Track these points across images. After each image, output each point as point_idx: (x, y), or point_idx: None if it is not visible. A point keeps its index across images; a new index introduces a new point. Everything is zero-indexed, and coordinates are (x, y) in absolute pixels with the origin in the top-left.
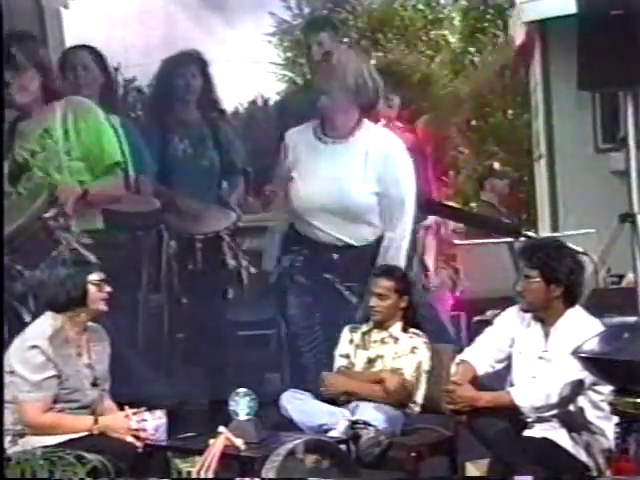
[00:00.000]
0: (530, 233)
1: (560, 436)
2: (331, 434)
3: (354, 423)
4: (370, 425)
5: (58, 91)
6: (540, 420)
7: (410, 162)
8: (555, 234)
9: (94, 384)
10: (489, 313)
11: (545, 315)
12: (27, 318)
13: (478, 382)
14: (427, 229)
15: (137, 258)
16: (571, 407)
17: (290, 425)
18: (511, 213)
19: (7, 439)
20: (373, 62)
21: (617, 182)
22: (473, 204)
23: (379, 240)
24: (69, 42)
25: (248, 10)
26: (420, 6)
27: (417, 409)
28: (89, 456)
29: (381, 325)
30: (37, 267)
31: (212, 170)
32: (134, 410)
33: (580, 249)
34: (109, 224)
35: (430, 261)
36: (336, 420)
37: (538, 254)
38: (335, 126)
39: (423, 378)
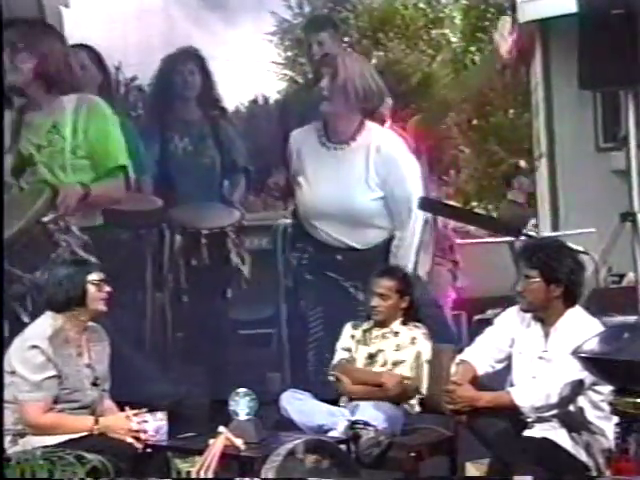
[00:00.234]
0: (531, 232)
1: (560, 436)
2: (331, 434)
3: (354, 423)
4: (370, 425)
5: (64, 82)
6: (540, 420)
7: (414, 161)
8: (556, 233)
9: (94, 384)
10: (490, 312)
11: (545, 315)
12: (25, 319)
13: (478, 382)
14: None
15: (139, 257)
16: (571, 407)
17: (290, 425)
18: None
19: (7, 439)
20: (374, 61)
21: (618, 181)
22: (477, 205)
23: (387, 241)
24: (70, 41)
25: (249, 9)
26: (421, 5)
27: (418, 409)
28: (89, 456)
29: (382, 323)
30: (37, 270)
31: (213, 168)
32: (135, 411)
33: (581, 248)
34: (110, 223)
35: (427, 257)
36: (336, 420)
37: (538, 254)
38: (337, 131)
39: (425, 368)
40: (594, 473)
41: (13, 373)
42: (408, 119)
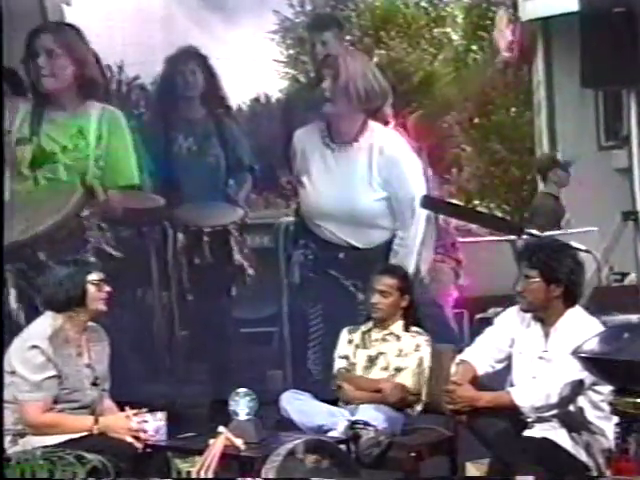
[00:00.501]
0: (533, 231)
1: (560, 436)
2: (331, 434)
3: (354, 423)
4: (370, 425)
5: (94, 87)
6: (540, 420)
7: (417, 161)
8: (557, 232)
9: (94, 384)
10: (491, 311)
11: (545, 315)
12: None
13: (478, 382)
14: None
15: (143, 255)
16: (571, 407)
17: (290, 425)
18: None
19: (7, 439)
20: (375, 60)
21: (620, 179)
22: (479, 203)
23: (389, 241)
24: None
25: (250, 8)
26: (423, 4)
27: (419, 408)
28: (89, 456)
29: (382, 324)
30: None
31: (218, 167)
32: (135, 411)
33: (583, 247)
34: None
35: (428, 255)
36: (336, 420)
37: (538, 254)
38: (340, 131)
39: (426, 375)
40: (594, 473)
41: (13, 373)
42: (410, 117)
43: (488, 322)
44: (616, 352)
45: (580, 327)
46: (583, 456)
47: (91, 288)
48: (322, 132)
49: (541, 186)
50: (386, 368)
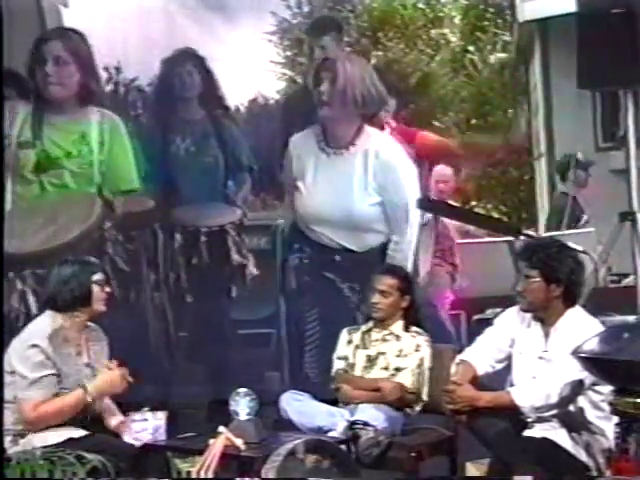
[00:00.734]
0: (530, 232)
1: (560, 436)
2: (331, 435)
3: (353, 423)
4: (369, 425)
5: (96, 93)
6: (540, 420)
7: (412, 166)
8: (555, 233)
9: None
10: (489, 312)
11: (545, 315)
12: None
13: (478, 382)
14: (423, 227)
15: (133, 258)
16: (571, 407)
17: (290, 426)
18: (586, 205)
19: (7, 439)
20: (373, 61)
21: (617, 180)
22: (476, 204)
23: (385, 244)
24: None
25: (248, 9)
26: (420, 5)
27: (418, 408)
28: (89, 456)
29: (382, 324)
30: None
31: (216, 168)
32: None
33: (580, 248)
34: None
35: (426, 258)
36: (335, 421)
37: (538, 254)
38: (336, 136)
39: (426, 375)
40: (594, 473)
41: (13, 373)
42: (409, 121)
43: (485, 323)
44: (616, 352)
45: (580, 327)
46: (583, 456)
47: (95, 288)
48: (318, 137)
49: (560, 186)
50: (386, 368)
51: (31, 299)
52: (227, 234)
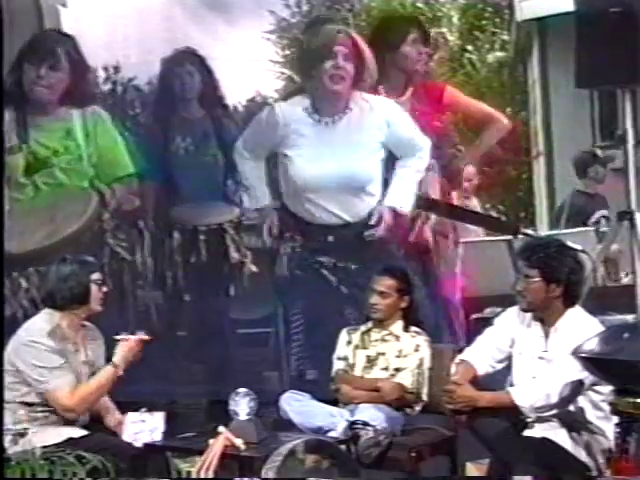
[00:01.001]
0: (529, 231)
1: (560, 436)
2: (331, 435)
3: (353, 423)
4: (369, 425)
5: (81, 96)
6: (540, 420)
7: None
8: (553, 232)
9: None
10: (488, 311)
11: (545, 315)
12: None
13: (478, 382)
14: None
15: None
16: (571, 407)
17: (290, 426)
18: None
19: (7, 439)
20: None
21: (615, 180)
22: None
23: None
24: None
25: (248, 8)
26: (419, 4)
27: (418, 408)
28: (89, 456)
29: (381, 324)
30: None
31: (216, 166)
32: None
33: (578, 247)
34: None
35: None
36: (335, 421)
37: (538, 254)
38: (331, 105)
39: (426, 375)
40: (594, 473)
41: (18, 372)
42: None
43: (484, 322)
44: (616, 352)
45: (580, 327)
46: (583, 456)
47: (93, 287)
48: (306, 108)
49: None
50: (386, 369)
51: (37, 296)
52: (225, 232)
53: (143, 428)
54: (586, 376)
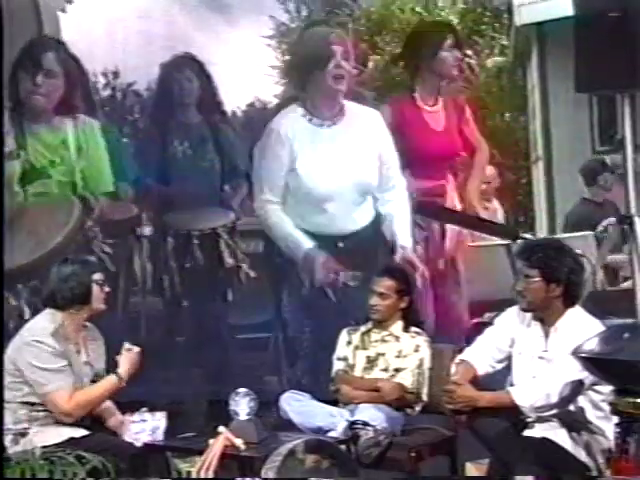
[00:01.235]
0: (528, 235)
1: (560, 436)
2: (331, 435)
3: (353, 423)
4: (369, 425)
5: (74, 104)
6: (540, 420)
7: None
8: (553, 236)
9: (93, 381)
10: (487, 315)
11: (545, 315)
12: None
13: (478, 382)
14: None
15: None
16: (571, 407)
17: (290, 426)
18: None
19: (7, 439)
20: (371, 64)
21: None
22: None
23: (373, 220)
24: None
25: (247, 13)
26: (418, 9)
27: (418, 408)
28: (89, 456)
29: (381, 324)
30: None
31: (213, 172)
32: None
33: (578, 251)
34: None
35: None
36: (335, 421)
37: (538, 254)
38: (328, 109)
39: (426, 375)
40: (594, 473)
41: (19, 372)
42: None
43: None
44: (616, 352)
45: (580, 327)
46: (583, 456)
47: (95, 287)
48: (305, 115)
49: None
50: (385, 369)
51: (27, 313)
52: (219, 237)
53: (144, 428)
54: (586, 376)
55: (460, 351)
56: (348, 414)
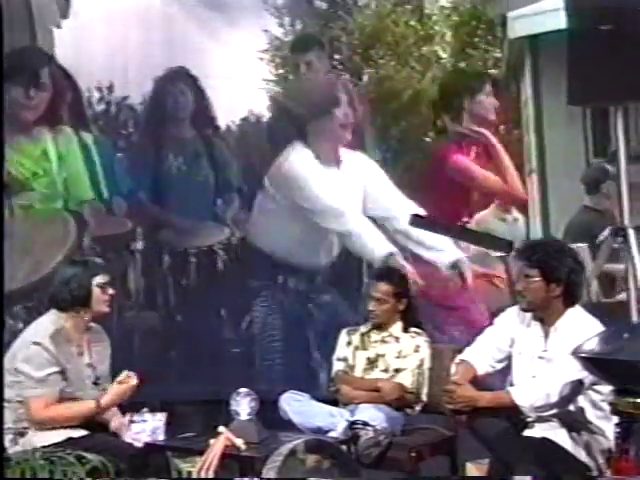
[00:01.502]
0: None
1: (560, 436)
2: (331, 435)
3: (353, 423)
4: (369, 425)
5: (56, 115)
6: (540, 420)
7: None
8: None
9: (95, 383)
10: None
11: (545, 315)
12: None
13: (478, 382)
14: None
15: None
16: (571, 407)
17: (290, 426)
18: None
19: (7, 439)
20: (365, 78)
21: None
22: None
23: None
24: (61, 61)
25: (242, 27)
26: (412, 22)
27: (418, 408)
28: (89, 456)
29: (380, 326)
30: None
31: (206, 187)
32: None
33: None
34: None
35: None
36: (335, 421)
37: (538, 253)
38: (334, 154)
39: (426, 376)
40: (594, 473)
41: (17, 371)
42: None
43: None
44: (616, 352)
45: (580, 327)
46: (583, 456)
47: (96, 290)
48: (313, 157)
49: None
50: (386, 370)
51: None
52: (216, 254)
53: (144, 428)
54: (586, 376)
55: (460, 351)
56: (348, 414)
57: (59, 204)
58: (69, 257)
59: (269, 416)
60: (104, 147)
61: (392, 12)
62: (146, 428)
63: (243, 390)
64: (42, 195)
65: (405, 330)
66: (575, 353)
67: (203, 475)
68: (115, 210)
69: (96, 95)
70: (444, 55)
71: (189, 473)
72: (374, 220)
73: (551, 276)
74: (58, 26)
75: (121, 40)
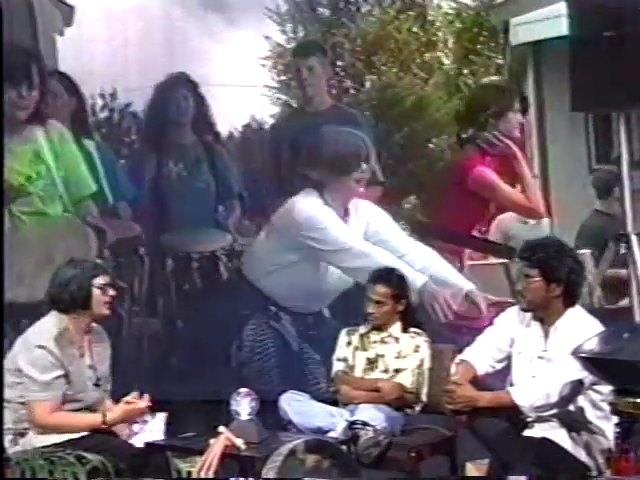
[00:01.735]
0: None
1: (560, 436)
2: (330, 435)
3: (353, 424)
4: (369, 425)
5: (46, 114)
6: (540, 420)
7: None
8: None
9: (96, 384)
10: None
11: (545, 315)
12: None
13: (478, 382)
14: None
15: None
16: (571, 407)
17: (290, 426)
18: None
19: (7, 439)
20: (367, 85)
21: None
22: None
23: None
24: (63, 69)
25: (245, 34)
26: (414, 29)
27: (418, 408)
28: (89, 456)
29: (379, 327)
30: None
31: (208, 193)
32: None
33: None
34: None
35: None
36: (335, 421)
37: (539, 253)
38: (342, 199)
39: (426, 376)
40: (594, 473)
41: (19, 372)
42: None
43: None
44: (616, 352)
45: (580, 327)
46: (583, 456)
47: (96, 291)
48: (323, 204)
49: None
50: (386, 371)
51: None
52: (219, 260)
53: (144, 428)
54: (586, 376)
55: (460, 351)
56: (348, 414)
57: (59, 207)
58: None
59: (269, 416)
60: (106, 154)
61: (395, 19)
62: (147, 428)
63: (243, 390)
64: (41, 198)
65: (405, 330)
66: (575, 353)
67: (203, 475)
68: (121, 214)
69: (99, 102)
70: (447, 61)
71: (189, 473)
72: None
73: (551, 276)
74: (61, 33)
75: (121, 46)
